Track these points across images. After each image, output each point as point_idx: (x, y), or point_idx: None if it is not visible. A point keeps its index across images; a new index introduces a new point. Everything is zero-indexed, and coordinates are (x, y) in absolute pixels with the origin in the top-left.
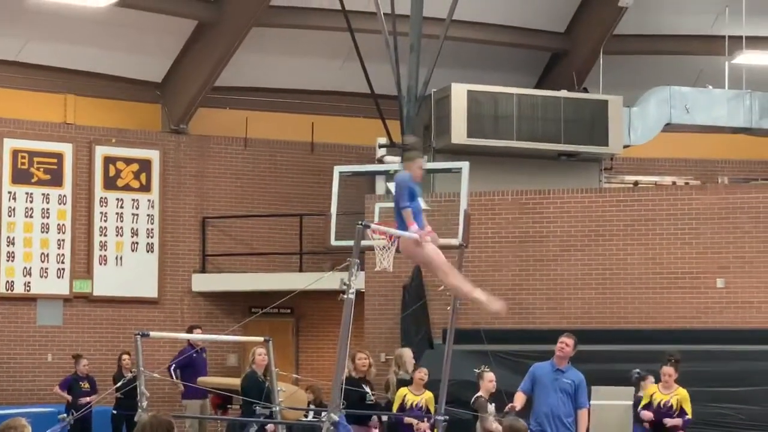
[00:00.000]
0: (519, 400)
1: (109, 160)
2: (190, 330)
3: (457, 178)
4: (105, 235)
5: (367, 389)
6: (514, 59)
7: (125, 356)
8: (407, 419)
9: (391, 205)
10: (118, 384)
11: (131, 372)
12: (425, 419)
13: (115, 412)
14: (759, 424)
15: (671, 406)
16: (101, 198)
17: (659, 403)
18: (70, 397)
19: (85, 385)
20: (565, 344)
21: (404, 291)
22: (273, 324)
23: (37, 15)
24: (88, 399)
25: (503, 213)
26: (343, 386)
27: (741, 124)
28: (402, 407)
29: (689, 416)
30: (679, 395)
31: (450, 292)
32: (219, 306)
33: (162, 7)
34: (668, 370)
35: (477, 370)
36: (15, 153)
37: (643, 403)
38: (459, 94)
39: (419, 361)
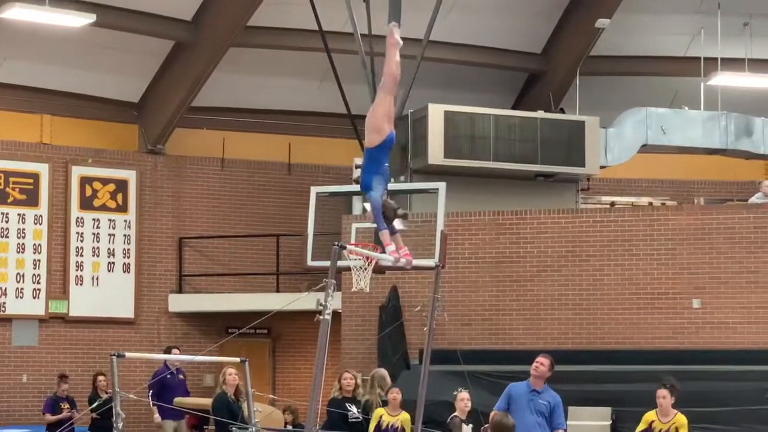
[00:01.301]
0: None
1: (85, 180)
2: (168, 351)
3: (434, 198)
4: (81, 256)
5: (353, 409)
6: (491, 80)
7: (101, 377)
8: None
9: (368, 225)
10: (94, 405)
11: (107, 393)
12: None
13: None
14: None
15: None
16: (77, 218)
17: None
18: (55, 417)
19: (65, 406)
20: (540, 363)
21: (381, 312)
22: (250, 344)
23: (14, 35)
24: (63, 416)
25: (480, 233)
26: (327, 408)
27: (716, 145)
28: (378, 428)
29: None
30: (676, 423)
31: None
32: (196, 326)
33: (139, 28)
34: (662, 392)
35: (455, 393)
36: None
37: (640, 428)
38: (436, 114)
39: (396, 381)
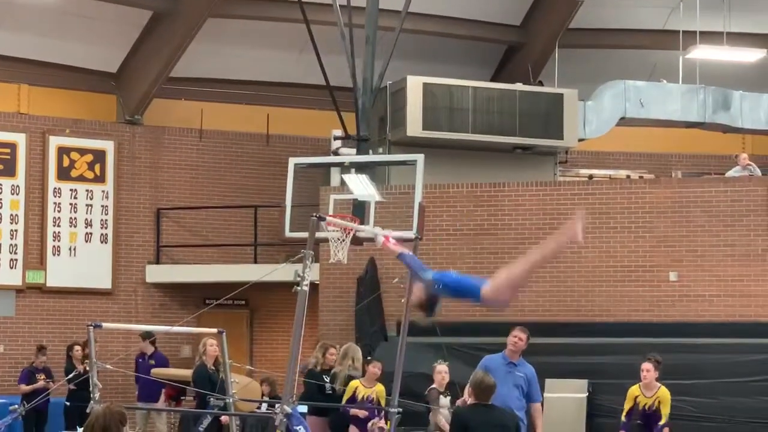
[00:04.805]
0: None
1: (63, 151)
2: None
3: (412, 170)
4: (58, 226)
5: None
6: (470, 52)
7: (76, 347)
8: (353, 411)
9: (346, 196)
10: (71, 375)
11: (82, 363)
12: (375, 412)
13: (68, 403)
14: (712, 416)
15: (656, 409)
16: (55, 188)
17: (644, 407)
18: (30, 387)
19: (42, 377)
20: (519, 338)
21: (359, 283)
22: (227, 315)
23: None
24: (37, 386)
25: (458, 206)
26: (304, 379)
27: (695, 118)
28: (353, 399)
29: (662, 422)
30: (660, 397)
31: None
32: (173, 297)
33: None
34: (646, 365)
35: (433, 365)
36: None
37: (627, 407)
38: (414, 86)
39: (374, 353)
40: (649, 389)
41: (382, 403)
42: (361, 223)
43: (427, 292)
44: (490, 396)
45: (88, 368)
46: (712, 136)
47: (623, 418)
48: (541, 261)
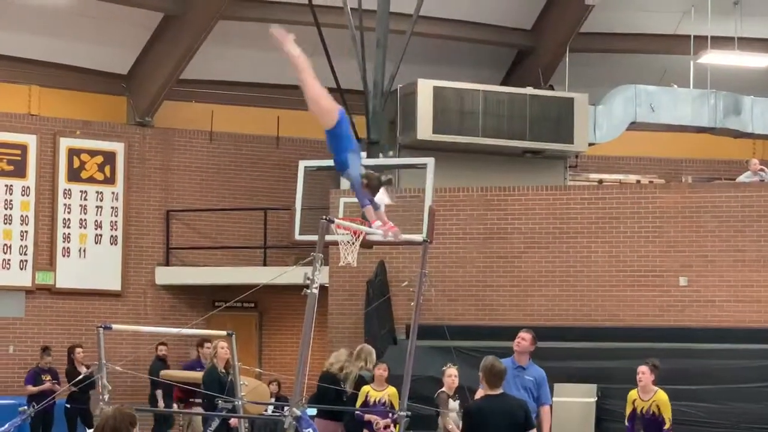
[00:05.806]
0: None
1: (73, 152)
2: (201, 344)
3: (423, 174)
4: (68, 227)
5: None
6: (481, 56)
7: (78, 349)
8: (367, 416)
9: (356, 199)
10: (79, 377)
11: (83, 365)
12: (389, 415)
13: (68, 405)
14: (720, 422)
15: (653, 413)
16: (65, 190)
17: (642, 411)
18: (37, 389)
19: (47, 378)
20: (522, 338)
21: (368, 286)
22: (236, 318)
23: (2, 5)
24: (44, 387)
25: (468, 209)
26: (319, 383)
27: (705, 123)
28: (365, 404)
29: (666, 426)
30: (657, 400)
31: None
32: (182, 299)
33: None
34: (642, 368)
35: (443, 369)
36: None
37: (627, 411)
38: (425, 90)
39: (383, 357)
40: (646, 392)
41: (395, 404)
42: (371, 226)
43: (363, 180)
44: (501, 381)
45: (92, 370)
46: (723, 141)
47: (626, 422)
48: (302, 74)
